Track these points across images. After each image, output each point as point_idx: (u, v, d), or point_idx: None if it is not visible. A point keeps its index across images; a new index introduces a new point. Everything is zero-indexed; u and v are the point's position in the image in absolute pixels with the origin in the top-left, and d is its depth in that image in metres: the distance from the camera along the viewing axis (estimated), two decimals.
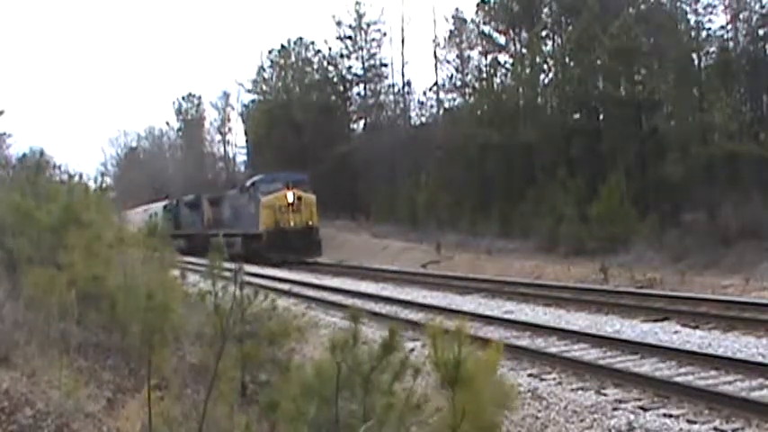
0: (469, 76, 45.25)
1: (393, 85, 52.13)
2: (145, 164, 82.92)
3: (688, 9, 31.87)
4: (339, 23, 52.32)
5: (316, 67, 55.28)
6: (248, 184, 34.49)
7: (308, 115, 50.40)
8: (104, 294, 7.21)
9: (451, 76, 46.71)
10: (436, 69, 49.40)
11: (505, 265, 27.63)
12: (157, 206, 53.28)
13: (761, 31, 30.39)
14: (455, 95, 46.33)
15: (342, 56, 52.99)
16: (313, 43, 55.93)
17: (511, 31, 41.25)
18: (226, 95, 74.65)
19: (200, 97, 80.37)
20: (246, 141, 65.21)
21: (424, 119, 49.03)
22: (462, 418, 2.90)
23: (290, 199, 30.59)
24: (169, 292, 4.79)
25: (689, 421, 7.05)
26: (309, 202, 31.19)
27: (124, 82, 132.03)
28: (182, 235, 42.24)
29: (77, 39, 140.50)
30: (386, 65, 52.04)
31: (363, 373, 3.52)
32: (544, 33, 38.28)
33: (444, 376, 3.02)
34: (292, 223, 30.45)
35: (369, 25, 52.02)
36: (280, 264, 30.91)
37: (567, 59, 35.86)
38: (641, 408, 7.56)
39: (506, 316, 13.78)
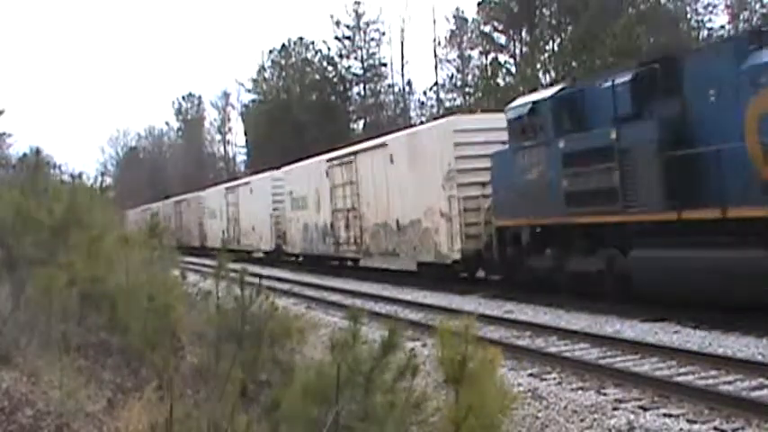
0: (470, 76, 45.29)
1: (393, 85, 52.29)
2: (145, 164, 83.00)
3: (688, 9, 31.91)
4: (338, 23, 52.46)
5: (316, 67, 55.35)
6: None
7: (308, 115, 50.42)
8: (106, 294, 7.22)
9: (452, 75, 46.91)
10: (436, 69, 49.48)
11: None
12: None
13: None
14: (455, 95, 46.41)
15: (341, 56, 53.09)
16: (313, 43, 56.10)
17: (511, 31, 41.30)
18: (226, 95, 75.09)
19: (200, 97, 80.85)
20: (246, 141, 65.33)
21: (424, 119, 49.12)
22: (467, 415, 2.92)
23: None
24: (171, 294, 4.80)
25: (689, 421, 7.05)
26: None
27: (124, 82, 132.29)
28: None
29: (77, 38, 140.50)
30: (385, 65, 52.25)
31: (364, 373, 3.53)
32: (545, 33, 38.36)
33: (449, 374, 3.05)
34: None
35: (368, 24, 52.16)
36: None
37: (567, 59, 35.90)
38: (641, 408, 7.56)
39: (507, 316, 13.79)
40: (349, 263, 25.96)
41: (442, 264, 18.17)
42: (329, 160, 24.95)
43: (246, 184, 34.17)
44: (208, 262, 24.01)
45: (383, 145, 21.34)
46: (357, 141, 27.66)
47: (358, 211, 22.48)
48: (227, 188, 37.41)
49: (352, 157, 23.04)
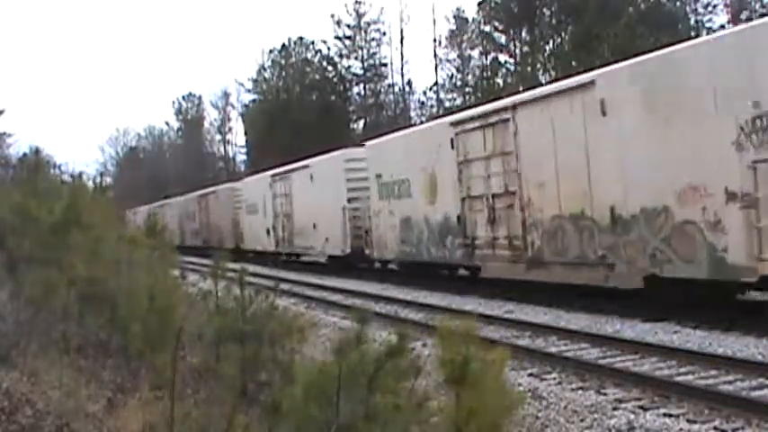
0: (470, 76, 45.31)
1: (393, 85, 52.31)
2: (145, 164, 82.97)
3: (688, 9, 31.95)
4: (339, 23, 52.50)
5: (315, 67, 55.38)
6: None
7: (308, 115, 50.38)
8: (106, 295, 7.22)
9: (452, 75, 46.92)
10: (436, 69, 49.45)
11: None
12: None
13: None
14: (455, 95, 46.42)
15: (341, 55, 53.14)
16: (313, 43, 56.11)
17: (511, 31, 41.33)
18: (226, 95, 75.11)
19: (200, 97, 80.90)
20: (246, 141, 65.38)
21: (424, 119, 49.16)
22: (468, 417, 2.91)
23: None
24: (172, 295, 4.81)
25: (689, 421, 7.05)
26: None
27: (124, 81, 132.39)
28: None
29: (77, 38, 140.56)
30: (385, 64, 52.29)
31: (367, 374, 3.53)
32: (545, 33, 38.43)
33: (450, 375, 3.04)
34: None
35: (369, 24, 52.18)
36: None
37: (567, 59, 35.94)
38: (641, 407, 7.56)
39: (507, 316, 13.79)
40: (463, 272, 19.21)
41: (727, 281, 10.71)
42: (455, 124, 16.96)
43: (304, 168, 26.35)
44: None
45: (583, 87, 12.83)
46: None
47: (517, 197, 14.79)
48: (273, 175, 29.39)
49: (506, 114, 14.97)
